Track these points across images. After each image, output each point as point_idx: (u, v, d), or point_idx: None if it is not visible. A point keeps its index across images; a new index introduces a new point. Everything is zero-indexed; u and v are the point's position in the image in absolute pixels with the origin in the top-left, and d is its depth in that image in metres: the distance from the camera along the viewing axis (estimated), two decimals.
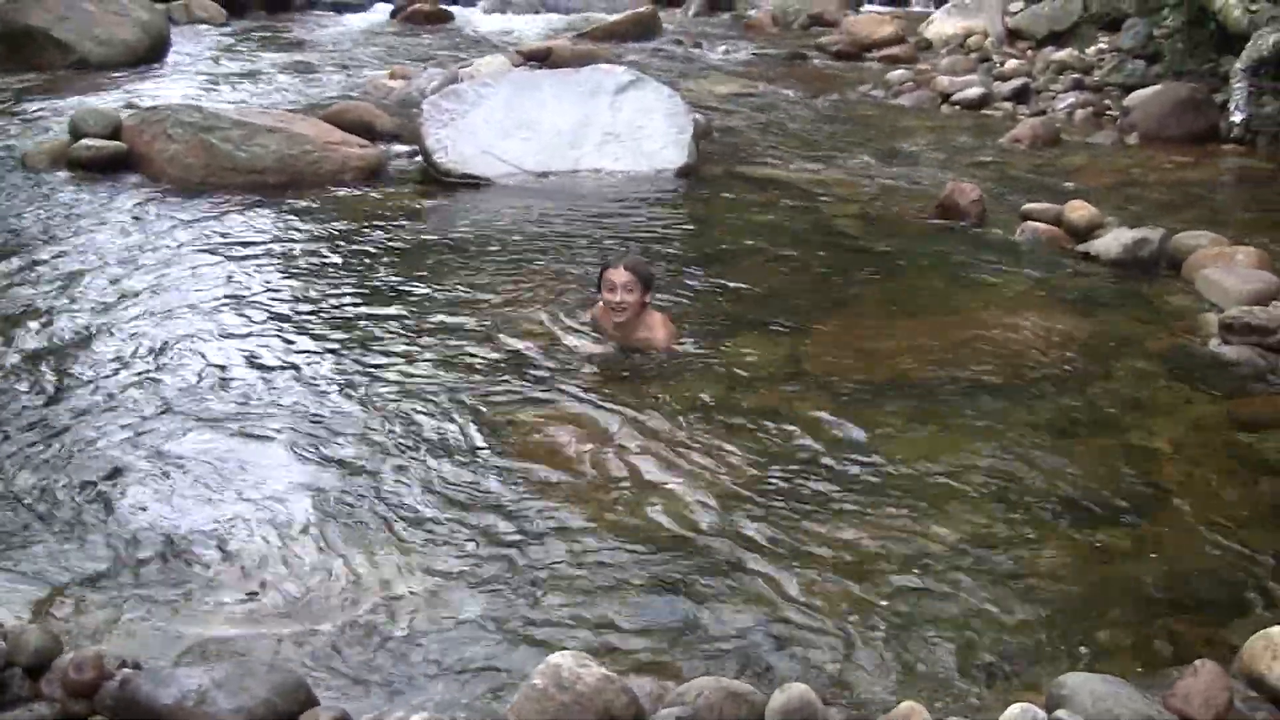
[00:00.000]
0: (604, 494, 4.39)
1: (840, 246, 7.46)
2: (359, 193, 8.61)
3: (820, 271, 6.94)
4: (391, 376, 5.31)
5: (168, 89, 11.61)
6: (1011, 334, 5.96)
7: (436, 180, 8.98)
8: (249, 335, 5.75)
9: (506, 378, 5.31)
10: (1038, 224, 7.69)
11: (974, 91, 12.51)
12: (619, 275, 5.49)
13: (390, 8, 17.48)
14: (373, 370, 5.37)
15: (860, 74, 14.10)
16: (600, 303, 5.70)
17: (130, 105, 10.27)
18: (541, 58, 13.74)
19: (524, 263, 6.91)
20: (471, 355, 5.56)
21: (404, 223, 7.84)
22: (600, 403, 5.06)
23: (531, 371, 5.38)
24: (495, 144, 9.19)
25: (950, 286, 6.74)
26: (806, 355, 5.67)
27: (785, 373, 5.46)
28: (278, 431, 4.76)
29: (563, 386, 5.23)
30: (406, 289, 6.48)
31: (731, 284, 6.58)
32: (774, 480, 4.50)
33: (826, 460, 4.65)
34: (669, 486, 4.44)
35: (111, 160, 8.68)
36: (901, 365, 5.55)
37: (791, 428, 4.88)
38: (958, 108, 12.38)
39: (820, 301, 6.40)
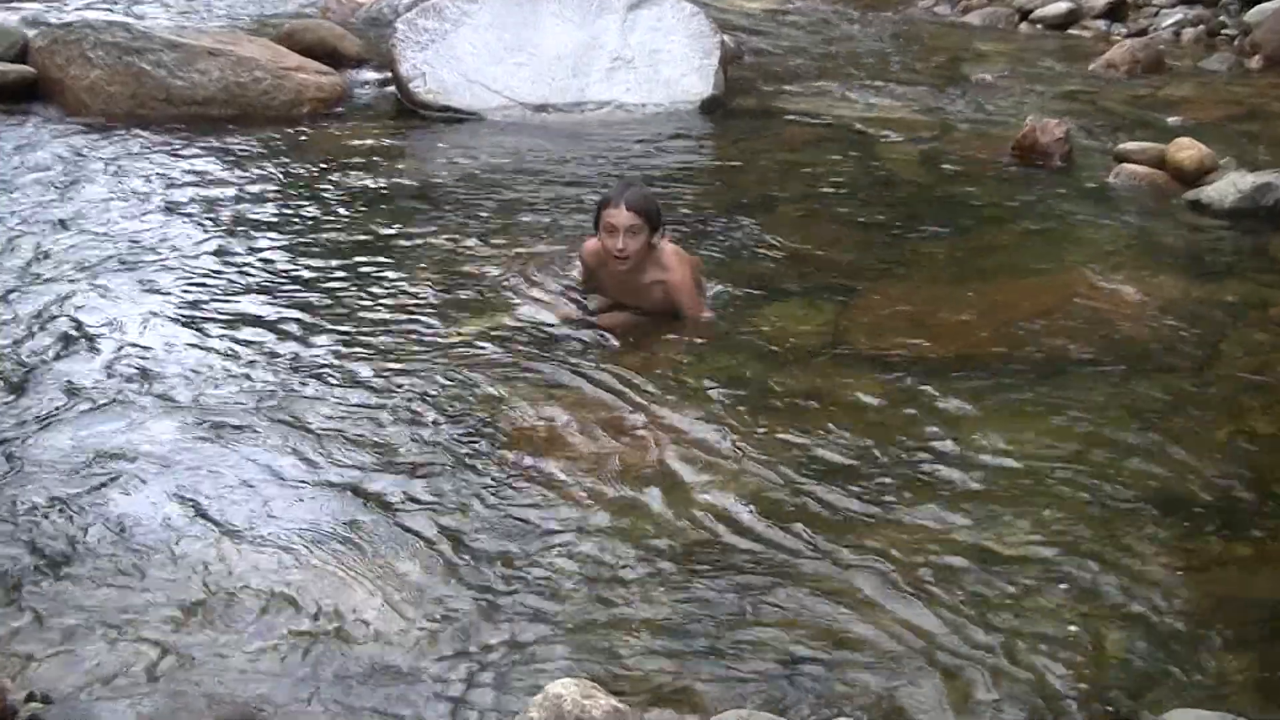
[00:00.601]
0: (611, 493, 4.38)
1: (897, 196, 7.45)
2: (319, 129, 8.62)
3: (872, 225, 6.93)
4: (358, 354, 5.30)
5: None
6: (1104, 300, 5.94)
7: (412, 114, 8.99)
8: (186, 306, 5.75)
9: (497, 353, 5.32)
10: (1136, 167, 7.67)
11: (1059, 7, 12.47)
12: (620, 216, 5.48)
13: None
14: (335, 347, 5.37)
15: None
16: (589, 245, 5.74)
17: (38, 21, 10.27)
18: None
19: (517, 216, 6.93)
20: (454, 328, 5.57)
21: (373, 166, 7.85)
22: (609, 384, 5.06)
23: (527, 346, 5.39)
24: (483, 71, 9.19)
25: (1029, 243, 6.72)
26: (856, 326, 5.66)
27: (830, 347, 5.45)
28: (224, 423, 4.74)
29: (565, 363, 5.24)
30: (376, 248, 6.49)
31: (766, 241, 6.58)
32: (817, 477, 4.49)
33: (879, 453, 4.64)
34: (689, 485, 4.42)
35: (15, 89, 8.67)
36: (970, 338, 5.54)
37: (838, 414, 4.88)
38: (1039, 27, 12.35)
39: (873, 261, 6.39)
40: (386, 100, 9.27)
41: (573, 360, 5.27)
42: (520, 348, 5.38)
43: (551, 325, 5.61)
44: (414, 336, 5.48)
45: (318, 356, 5.27)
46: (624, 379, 5.09)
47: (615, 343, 5.46)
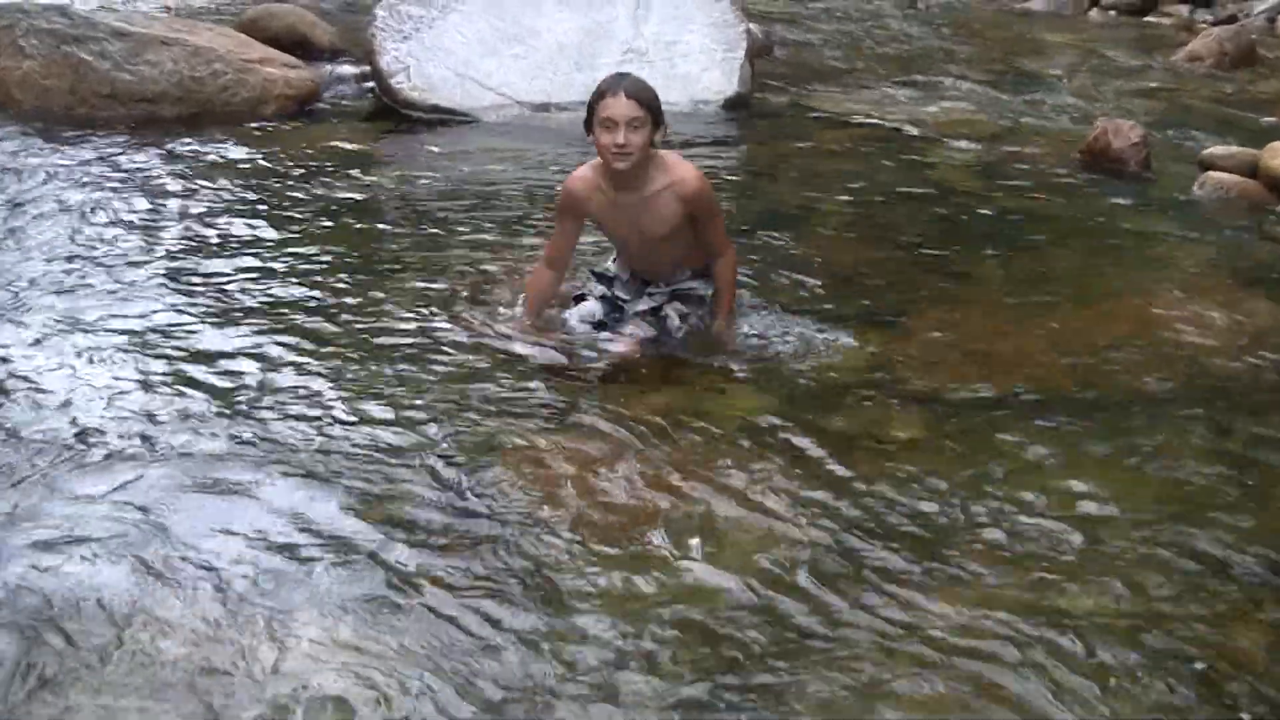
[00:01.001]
0: (619, 549, 4.38)
1: (948, 207, 7.47)
2: (287, 131, 8.67)
3: (922, 242, 6.95)
4: (336, 394, 5.29)
5: None
6: (1187, 328, 5.95)
7: (394, 114, 9.06)
8: (134, 340, 5.72)
9: (499, 391, 5.31)
10: (1224, 175, 7.68)
11: None
12: (620, 106, 5.49)
13: None
14: (308, 386, 5.34)
15: None
16: (574, 177, 5.75)
17: None
18: None
19: (516, 235, 6.94)
20: (440, 356, 5.57)
21: (348, 176, 7.90)
22: (615, 420, 5.06)
23: (533, 381, 5.39)
24: (475, 65, 9.25)
25: (1100, 262, 6.73)
26: (901, 356, 5.67)
27: (872, 380, 5.46)
28: (184, 467, 4.73)
29: (576, 402, 5.24)
30: (353, 272, 6.51)
31: (802, 260, 6.60)
32: (858, 532, 4.47)
33: (929, 505, 4.63)
34: (711, 540, 4.42)
35: None
36: (1035, 372, 5.54)
37: (881, 458, 4.87)
38: (1112, 13, 12.40)
39: (920, 282, 6.41)
40: (364, 98, 9.34)
41: (585, 399, 5.27)
42: (525, 384, 5.36)
43: (560, 358, 5.61)
44: (401, 373, 5.45)
45: (289, 397, 5.23)
46: (642, 420, 5.08)
47: (627, 379, 5.47)
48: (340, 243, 6.85)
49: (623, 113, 5.47)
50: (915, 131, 8.82)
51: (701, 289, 5.88)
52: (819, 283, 6.41)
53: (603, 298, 5.91)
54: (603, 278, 5.99)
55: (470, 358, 5.59)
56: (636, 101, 5.48)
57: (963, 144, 8.61)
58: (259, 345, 5.67)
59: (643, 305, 5.87)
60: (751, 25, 10.13)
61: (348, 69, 9.83)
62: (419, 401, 5.22)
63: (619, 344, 5.71)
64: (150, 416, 5.04)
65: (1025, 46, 11.24)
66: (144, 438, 4.92)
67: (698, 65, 9.25)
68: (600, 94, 5.57)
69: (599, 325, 5.82)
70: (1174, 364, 5.64)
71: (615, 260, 6.00)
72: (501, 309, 6.01)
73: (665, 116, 5.62)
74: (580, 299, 5.91)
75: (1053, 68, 10.56)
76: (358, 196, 7.54)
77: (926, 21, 12.24)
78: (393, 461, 4.78)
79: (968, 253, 6.81)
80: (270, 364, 5.50)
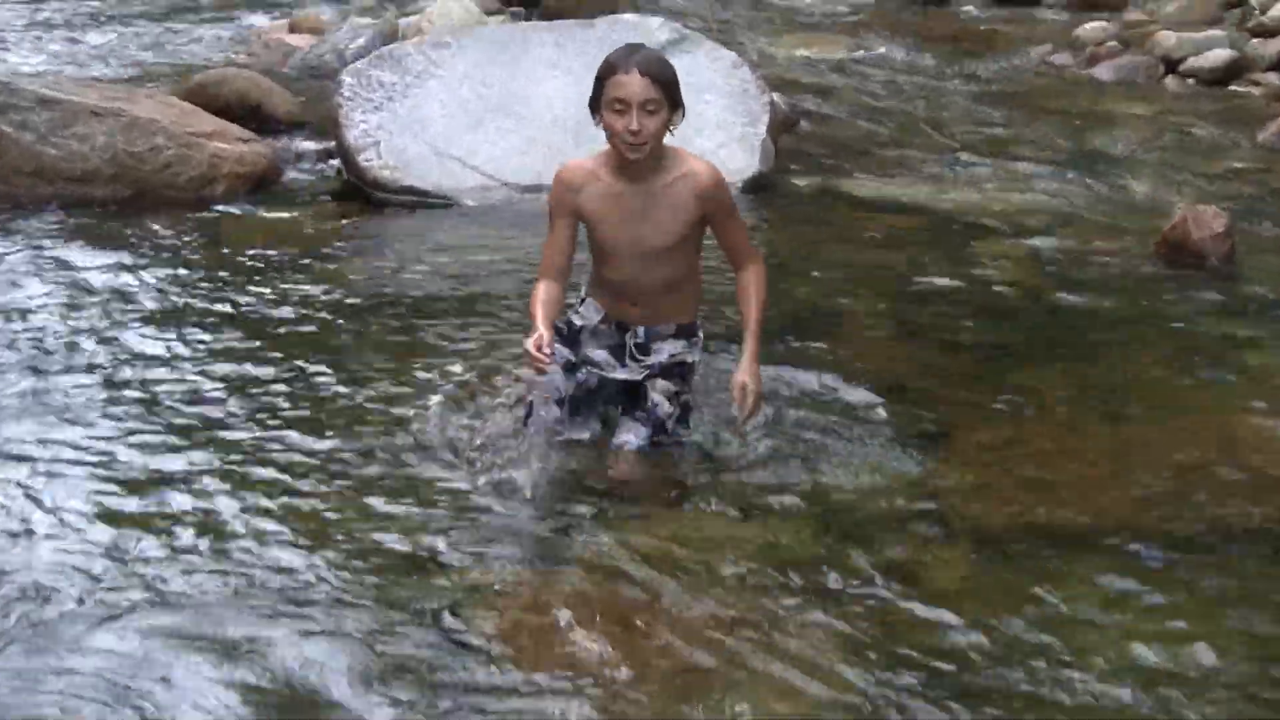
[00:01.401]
0: (626, 708, 4.37)
1: (1002, 308, 7.51)
2: (238, 215, 8.73)
3: (970, 348, 7.00)
4: (285, 524, 5.29)
5: None
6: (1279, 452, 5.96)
7: (362, 196, 9.10)
8: (60, 463, 5.74)
9: (468, 514, 5.33)
10: None
11: (1218, 56, 12.62)
12: (634, 85, 5.38)
13: None
14: (254, 517, 5.34)
15: (1034, 29, 14.28)
16: (570, 166, 5.74)
17: None
18: (531, 1, 13.94)
19: (500, 346, 6.87)
20: (412, 481, 5.59)
21: (308, 268, 7.95)
22: (620, 569, 5.05)
23: (512, 511, 5.41)
24: (456, 140, 9.33)
25: (1179, 373, 6.78)
26: (947, 480, 5.70)
27: (914, 508, 5.47)
28: (137, 621, 4.75)
29: (563, 533, 5.26)
30: (311, 379, 6.53)
31: (830, 366, 6.61)
32: (897, 691, 4.47)
33: (981, 660, 4.62)
34: (731, 701, 4.42)
35: None
36: (1100, 500, 5.55)
37: (925, 603, 4.87)
38: (1191, 82, 12.49)
39: (970, 394, 6.44)
40: (328, 178, 9.37)
41: (573, 530, 5.28)
42: (509, 514, 5.37)
43: (546, 481, 5.60)
44: (365, 504, 5.47)
45: (237, 534, 5.24)
46: (641, 558, 5.08)
47: (630, 504, 5.47)
48: (299, 348, 6.87)
49: (637, 93, 5.39)
50: (963, 219, 8.86)
51: (689, 355, 5.88)
52: (853, 393, 6.42)
53: (569, 366, 5.82)
54: (567, 332, 5.84)
55: (446, 480, 5.61)
56: (653, 80, 5.39)
57: (1018, 233, 8.64)
58: (198, 472, 5.66)
59: (622, 375, 5.86)
60: (775, 95, 10.21)
61: (309, 144, 9.90)
62: (386, 539, 5.23)
63: (610, 466, 5.70)
64: (84, 568, 5.01)
65: (1091, 120, 11.32)
66: (78, 585, 4.92)
67: (714, 140, 9.31)
68: (610, 68, 5.48)
69: (571, 405, 5.79)
70: (1262, 493, 5.63)
71: (584, 299, 5.91)
72: (479, 424, 6.02)
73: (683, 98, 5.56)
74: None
75: (1123, 145, 10.62)
76: (318, 293, 7.56)
77: (976, 91, 12.32)
78: (372, 616, 4.79)
79: (1024, 360, 6.84)
80: (211, 495, 5.48)
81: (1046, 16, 14.93)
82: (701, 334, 5.96)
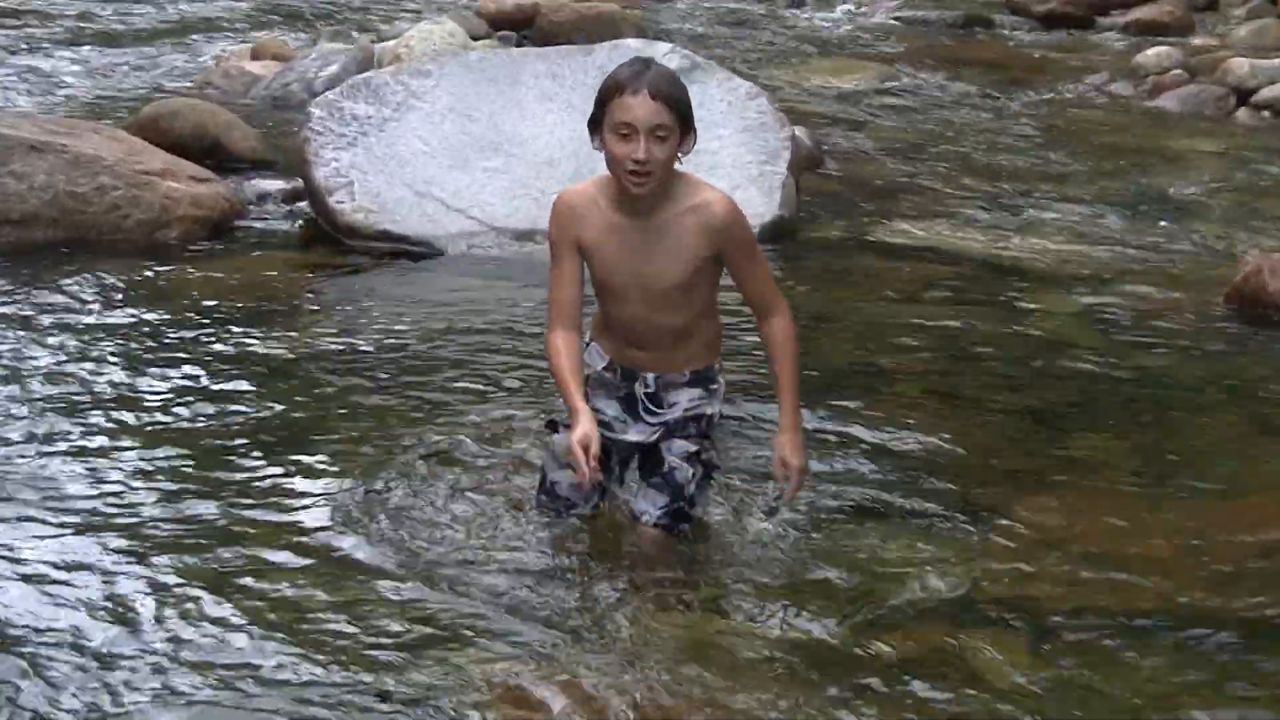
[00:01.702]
0: None
1: (1054, 368, 7.53)
2: (193, 263, 8.74)
3: (1018, 413, 7.01)
4: (265, 605, 5.28)
5: None
6: None
7: (333, 243, 9.10)
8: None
9: (475, 597, 5.32)
10: None
11: None
12: (643, 108, 5.22)
13: None
14: (213, 609, 5.32)
15: (1088, 55, 14.31)
16: (569, 192, 5.61)
17: None
18: (522, 22, 13.99)
19: (480, 401, 6.94)
20: (413, 565, 5.55)
21: (271, 323, 7.96)
22: (636, 643, 5.05)
23: (504, 576, 5.42)
24: (440, 180, 9.34)
25: (1254, 440, 6.80)
26: (995, 561, 5.69)
27: (958, 593, 5.46)
28: None
29: (560, 607, 5.26)
30: (281, 456, 6.48)
31: (862, 434, 6.62)
32: None
33: None
34: None
35: None
36: (1166, 584, 5.53)
37: (974, 700, 4.86)
38: (1266, 115, 12.49)
39: (1019, 465, 6.45)
40: (295, 222, 9.38)
41: (585, 615, 5.26)
42: (503, 595, 5.35)
43: (556, 558, 5.61)
44: (344, 584, 5.44)
45: (188, 634, 5.16)
46: (660, 646, 5.05)
47: (648, 583, 5.44)
48: (261, 414, 6.87)
49: (646, 117, 5.23)
50: (1010, 269, 8.87)
51: (708, 405, 5.72)
52: (890, 465, 6.43)
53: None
54: None
55: (442, 555, 5.60)
56: (665, 103, 5.24)
57: (1072, 285, 8.65)
58: (142, 559, 5.61)
59: (633, 436, 5.77)
60: (797, 130, 10.22)
61: (274, 184, 9.92)
62: (376, 623, 5.19)
63: (626, 540, 5.67)
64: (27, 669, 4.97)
65: (1154, 157, 11.34)
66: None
67: (728, 181, 9.29)
68: (616, 87, 5.32)
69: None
70: None
71: (588, 342, 5.74)
72: (475, 492, 6.02)
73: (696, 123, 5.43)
74: (553, 426, 5.75)
75: (1190, 186, 10.64)
76: (283, 352, 7.57)
77: (1023, 124, 12.34)
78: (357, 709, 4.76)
79: (1081, 427, 6.84)
80: (160, 584, 5.43)
81: (1103, 41, 14.96)
82: (722, 380, 5.80)
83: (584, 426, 5.30)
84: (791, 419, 5.57)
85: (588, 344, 5.72)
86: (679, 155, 5.37)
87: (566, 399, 5.44)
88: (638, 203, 5.40)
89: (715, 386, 5.74)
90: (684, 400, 5.68)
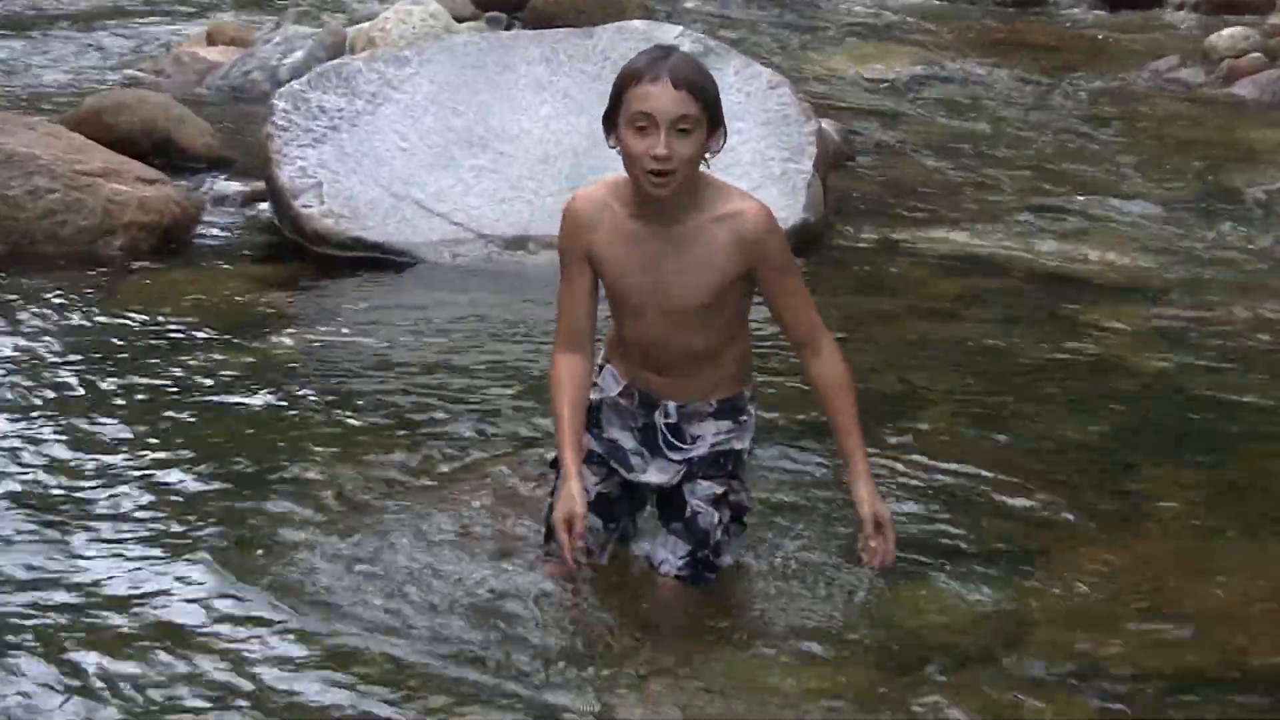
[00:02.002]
0: None
1: (1112, 392, 7.55)
2: (141, 275, 8.75)
3: (1075, 445, 7.00)
4: (228, 674, 5.26)
5: None
6: None
7: (300, 252, 9.10)
8: None
9: (474, 657, 5.31)
10: None
11: None
12: (664, 96, 5.14)
13: None
14: (174, 656, 5.31)
15: (1154, 37, 14.32)
16: (581, 195, 5.51)
17: None
18: (513, 2, 14.00)
19: (465, 437, 6.92)
20: (403, 624, 5.52)
21: (228, 344, 7.95)
22: (655, 708, 5.04)
23: (507, 623, 5.42)
24: (420, 180, 9.36)
25: None
26: (1047, 611, 5.68)
27: (1004, 645, 5.46)
28: None
29: (584, 669, 5.23)
30: (238, 495, 6.45)
31: (896, 467, 6.63)
32: None
33: None
34: None
35: None
36: (1241, 638, 5.52)
37: None
38: None
39: (1070, 500, 6.43)
40: (257, 229, 9.39)
41: (598, 676, 5.22)
42: (508, 658, 5.31)
43: (569, 613, 5.57)
44: (321, 650, 5.40)
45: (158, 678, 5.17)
46: (681, 710, 5.05)
47: (668, 640, 5.42)
48: (216, 448, 6.85)
49: (667, 107, 5.14)
50: (1062, 279, 8.88)
51: (737, 440, 5.64)
52: (929, 502, 6.42)
53: (589, 462, 5.58)
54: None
55: (414, 614, 5.55)
56: (689, 92, 5.15)
57: (1134, 298, 8.65)
58: (80, 611, 5.57)
59: (655, 477, 5.66)
60: (824, 123, 10.22)
61: (232, 185, 9.94)
62: (362, 691, 5.15)
63: (644, 593, 5.63)
64: None
65: (1226, 152, 11.33)
66: None
67: (746, 180, 9.24)
68: (634, 76, 5.23)
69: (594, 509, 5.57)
70: None
71: (602, 365, 5.66)
72: (444, 543, 5.99)
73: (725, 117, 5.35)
74: (555, 465, 5.57)
75: (1268, 184, 10.61)
76: (245, 376, 7.55)
77: (1079, 115, 12.33)
78: None
79: (1141, 457, 6.85)
80: (100, 633, 5.42)
81: (1170, 20, 14.93)
82: (754, 410, 5.72)
83: (569, 501, 5.28)
84: (863, 464, 5.45)
85: (601, 366, 5.67)
86: (706, 155, 5.29)
87: (559, 449, 5.40)
88: (658, 208, 5.30)
89: (745, 418, 5.65)
90: (710, 434, 5.60)
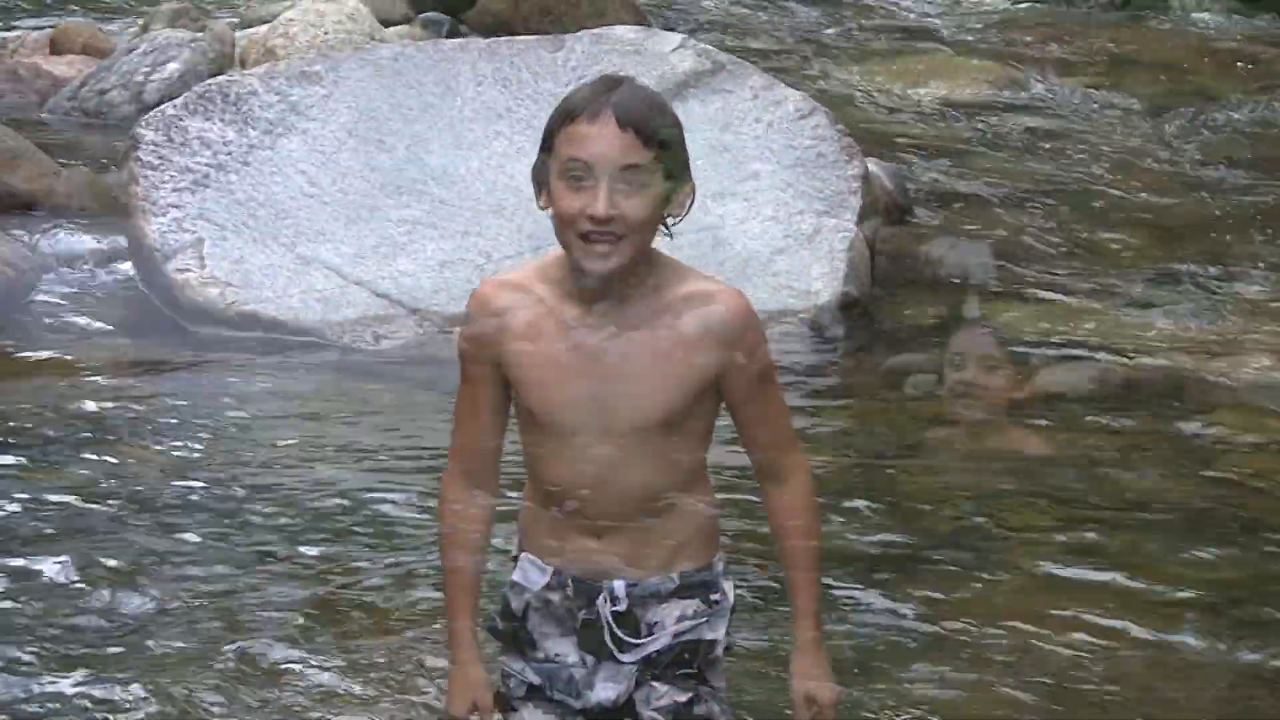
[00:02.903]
0: None
1: (1263, 539, 7.49)
2: None
3: (1215, 607, 7.01)
4: None
5: None
6: None
7: (174, 330, 9.12)
8: None
9: None
10: None
11: None
12: (604, 138, 4.92)
13: None
14: None
15: None
16: (490, 283, 5.30)
17: None
18: (456, 5, 14.09)
19: (405, 590, 7.00)
20: None
21: (75, 460, 7.98)
22: None
23: None
24: (333, 238, 9.40)
25: None
26: None
27: None
28: None
29: None
30: (79, 642, 6.53)
31: (956, 632, 6.65)
32: None
33: None
34: None
35: None
36: None
37: None
38: None
39: (1228, 691, 6.44)
40: (116, 299, 9.43)
41: None
42: None
43: None
44: None
45: None
46: None
47: None
48: (54, 586, 6.92)
49: (609, 153, 4.97)
50: (1181, 378, 8.88)
51: (708, 629, 5.39)
52: (1008, 691, 6.41)
53: (530, 689, 5.41)
54: (504, 625, 5.41)
55: None
56: (637, 133, 4.97)
57: (1277, 404, 8.65)
58: None
59: (604, 694, 5.38)
60: (872, 164, 10.23)
61: (84, 240, 9.95)
62: None
63: None
64: None
65: None
66: None
67: (767, 241, 9.36)
68: (568, 114, 5.03)
69: None
70: None
71: (517, 555, 5.39)
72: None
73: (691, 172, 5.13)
74: (503, 702, 5.49)
75: None
76: (100, 491, 7.63)
77: (1210, 152, 12.40)
78: None
79: None
80: None
81: None
82: (730, 587, 5.45)
83: (468, 689, 5.27)
84: (813, 631, 5.34)
85: (515, 556, 5.43)
86: (666, 220, 5.14)
87: (450, 617, 5.35)
88: (599, 290, 5.11)
89: (718, 598, 5.41)
90: (672, 619, 5.36)
